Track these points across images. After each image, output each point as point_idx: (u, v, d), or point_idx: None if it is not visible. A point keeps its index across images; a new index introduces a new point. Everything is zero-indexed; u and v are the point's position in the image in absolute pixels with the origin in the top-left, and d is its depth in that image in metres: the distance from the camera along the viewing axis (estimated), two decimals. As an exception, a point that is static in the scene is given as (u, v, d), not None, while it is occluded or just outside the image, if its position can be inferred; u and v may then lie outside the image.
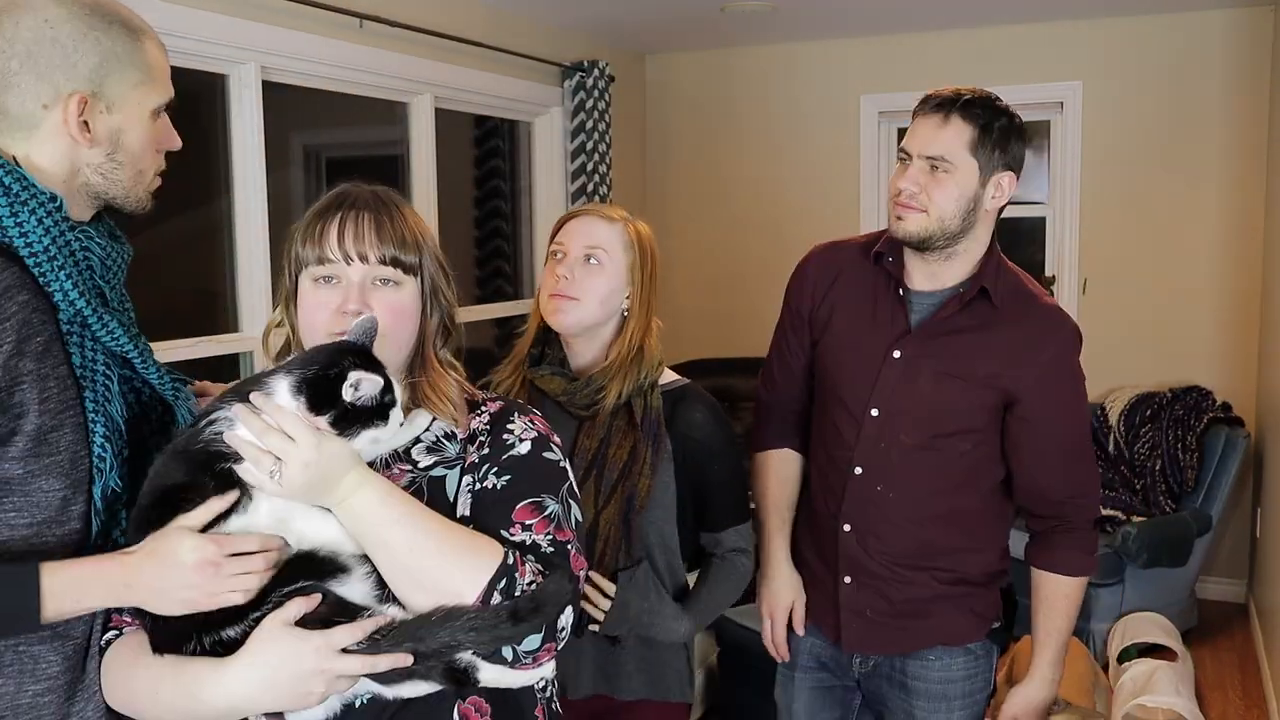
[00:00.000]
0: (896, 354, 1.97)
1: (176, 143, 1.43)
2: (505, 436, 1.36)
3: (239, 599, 1.20)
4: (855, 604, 2.03)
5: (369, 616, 1.21)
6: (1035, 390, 1.93)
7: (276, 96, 3.35)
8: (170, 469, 1.25)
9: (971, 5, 4.55)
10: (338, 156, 4.32)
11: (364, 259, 1.32)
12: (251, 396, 1.21)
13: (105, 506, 1.31)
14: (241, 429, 1.20)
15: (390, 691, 1.24)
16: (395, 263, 1.33)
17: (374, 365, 1.24)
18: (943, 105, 1.91)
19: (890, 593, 2.01)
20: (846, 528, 2.01)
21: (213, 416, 1.24)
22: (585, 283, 1.90)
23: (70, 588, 1.21)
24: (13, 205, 1.27)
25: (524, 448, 1.36)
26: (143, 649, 1.27)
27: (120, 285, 1.41)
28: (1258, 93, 4.62)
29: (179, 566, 1.19)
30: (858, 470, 1.99)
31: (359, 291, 1.32)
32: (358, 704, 1.25)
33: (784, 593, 2.13)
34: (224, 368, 3.22)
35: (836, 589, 2.04)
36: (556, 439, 1.41)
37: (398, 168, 4.10)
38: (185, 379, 1.46)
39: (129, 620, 1.31)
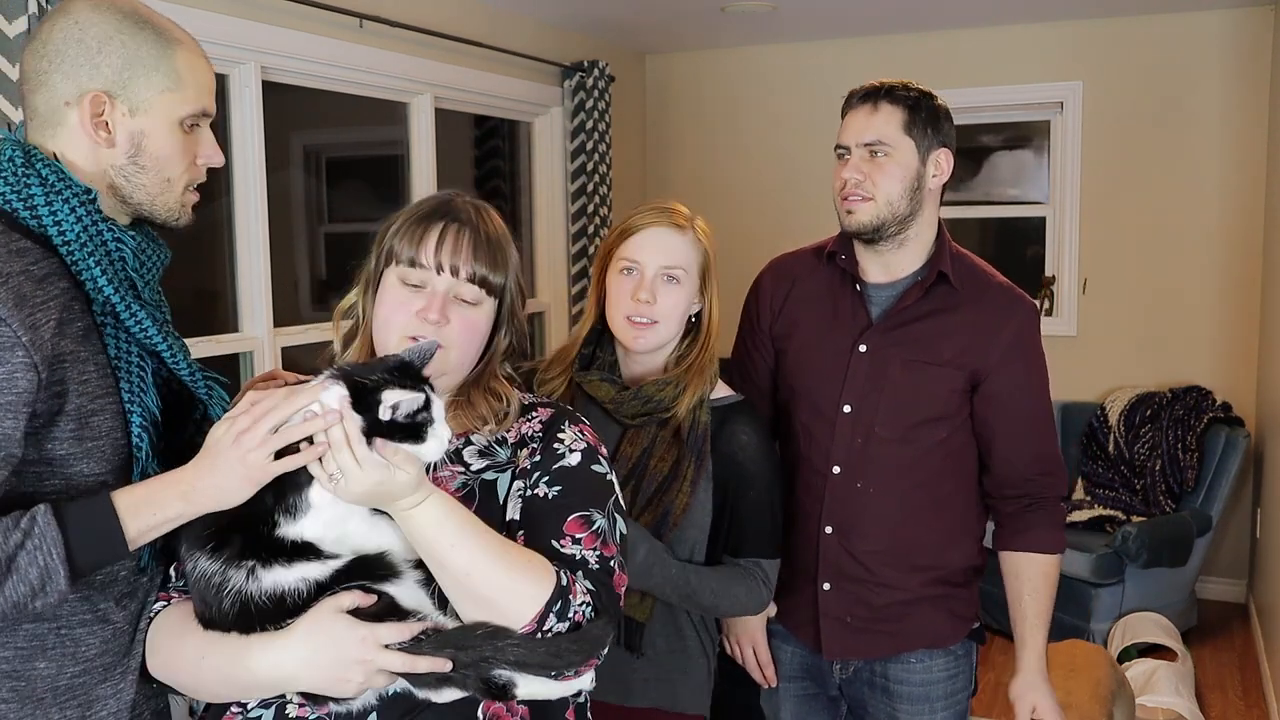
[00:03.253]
0: (862, 348, 1.99)
1: (218, 159, 1.43)
2: (556, 446, 1.39)
3: (288, 464, 1.19)
4: (835, 610, 2.03)
5: (419, 620, 1.24)
6: (999, 368, 1.96)
7: (276, 96, 3.35)
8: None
9: (972, 5, 4.56)
10: (338, 156, 4.32)
11: (455, 273, 1.36)
12: (343, 426, 1.18)
13: None
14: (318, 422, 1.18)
15: (426, 694, 1.25)
16: (483, 283, 1.38)
17: (419, 384, 1.23)
18: (869, 95, 1.96)
19: (870, 597, 2.01)
20: (828, 529, 2.01)
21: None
22: (665, 303, 1.84)
23: (144, 503, 1.24)
24: (48, 195, 1.31)
25: (574, 459, 1.38)
26: (190, 618, 1.30)
27: (155, 282, 1.44)
28: (1258, 93, 4.62)
29: (221, 452, 1.21)
30: (836, 469, 2.00)
31: (441, 302, 1.35)
32: (388, 693, 1.27)
33: (755, 617, 2.09)
34: (224, 368, 3.23)
35: (815, 597, 2.04)
36: (604, 450, 1.43)
37: (398, 168, 4.10)
38: (219, 378, 1.48)
39: (176, 595, 1.35)
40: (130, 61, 1.33)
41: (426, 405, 1.20)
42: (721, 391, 1.92)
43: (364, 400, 1.19)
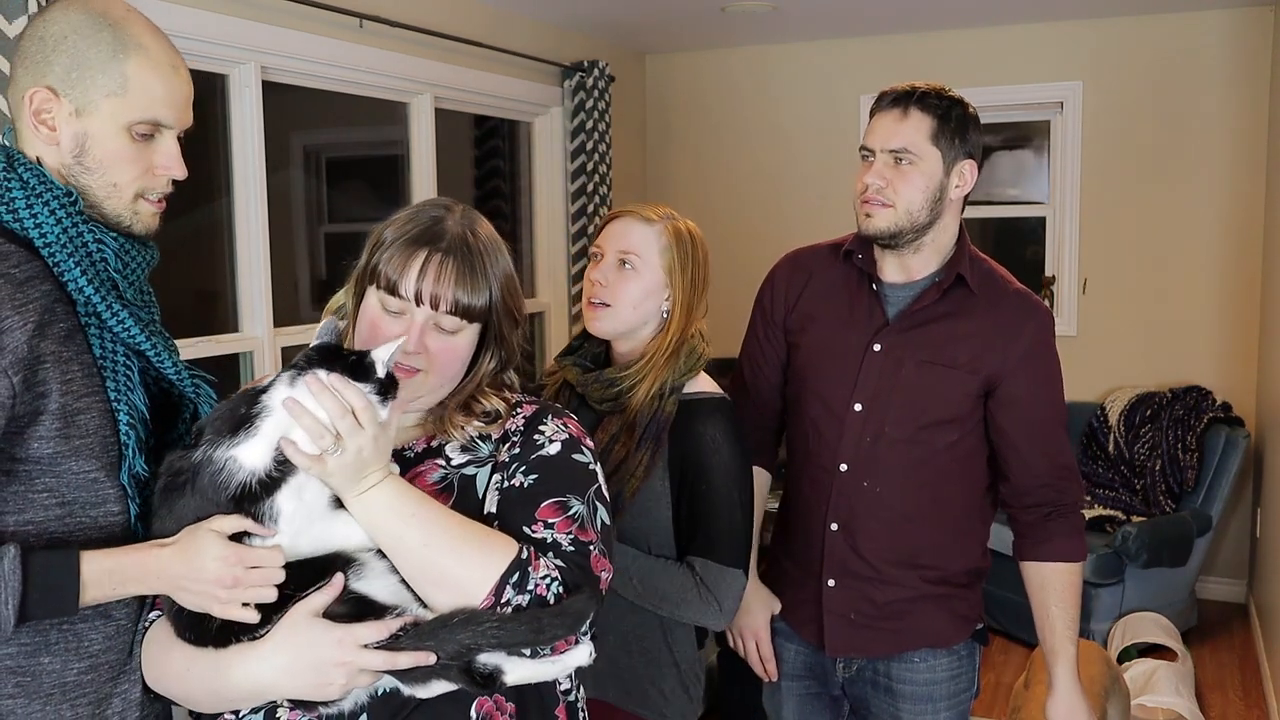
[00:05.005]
0: (877, 347, 1.98)
1: (178, 171, 1.41)
2: (536, 437, 1.39)
3: (250, 616, 1.23)
4: (839, 607, 2.03)
5: (397, 615, 1.24)
6: (1016, 374, 1.95)
7: (276, 96, 3.35)
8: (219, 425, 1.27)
9: (971, 5, 4.56)
10: (338, 156, 4.32)
11: (434, 305, 1.34)
12: (326, 376, 1.22)
13: (137, 491, 1.36)
14: (310, 401, 1.21)
15: (412, 690, 1.25)
16: (463, 313, 1.36)
17: (352, 355, 1.28)
18: (900, 100, 1.93)
19: (873, 594, 2.01)
20: (834, 526, 2.01)
21: (263, 401, 1.25)
22: (618, 288, 1.86)
23: (107, 575, 1.26)
24: (29, 198, 1.33)
25: (553, 448, 1.38)
26: None
27: (140, 283, 1.44)
28: (1257, 93, 4.62)
29: (201, 570, 1.22)
30: (843, 467, 1.99)
31: (419, 332, 1.35)
32: (378, 692, 1.27)
33: (759, 612, 2.11)
34: (224, 368, 3.23)
35: (819, 593, 2.03)
36: (589, 442, 1.42)
37: (398, 168, 4.10)
38: (206, 376, 1.49)
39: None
40: (78, 61, 1.33)
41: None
42: (701, 386, 1.90)
43: (356, 375, 1.23)
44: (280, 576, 1.23)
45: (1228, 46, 4.65)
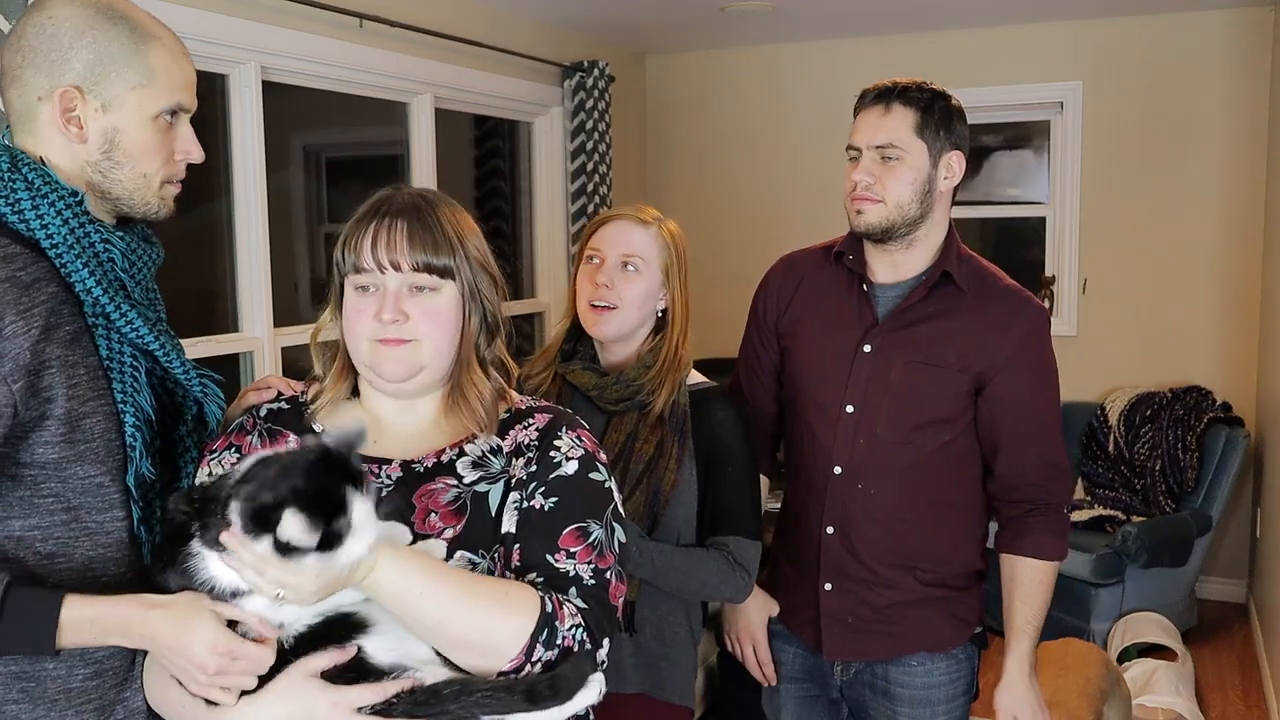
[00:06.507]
0: (867, 348, 1.98)
1: (197, 154, 1.43)
2: (552, 454, 1.36)
3: (227, 699, 1.21)
4: (836, 610, 2.02)
5: (394, 678, 1.21)
6: (1007, 370, 1.94)
7: (276, 96, 3.35)
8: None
9: (971, 5, 4.56)
10: (338, 156, 4.32)
11: (397, 267, 1.32)
12: (230, 537, 1.13)
13: (141, 495, 1.36)
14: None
15: None
16: (429, 269, 1.33)
17: (346, 478, 1.15)
18: (882, 96, 1.94)
19: (871, 598, 2.00)
20: (829, 530, 2.01)
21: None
22: (624, 290, 1.90)
23: (88, 625, 1.23)
24: (34, 199, 1.31)
25: (570, 467, 1.35)
26: None
27: (147, 282, 1.44)
28: (1258, 93, 4.62)
29: (189, 647, 1.19)
30: (837, 470, 1.99)
31: (394, 300, 1.32)
32: None
33: (757, 614, 2.11)
34: (223, 368, 3.22)
35: (817, 596, 2.03)
36: (603, 456, 1.41)
37: (398, 168, 4.10)
38: (214, 376, 1.49)
39: None
40: (102, 57, 1.33)
41: (335, 515, 1.12)
42: (696, 379, 1.98)
43: (264, 519, 1.11)
44: (265, 669, 1.20)
45: (1228, 46, 4.65)
